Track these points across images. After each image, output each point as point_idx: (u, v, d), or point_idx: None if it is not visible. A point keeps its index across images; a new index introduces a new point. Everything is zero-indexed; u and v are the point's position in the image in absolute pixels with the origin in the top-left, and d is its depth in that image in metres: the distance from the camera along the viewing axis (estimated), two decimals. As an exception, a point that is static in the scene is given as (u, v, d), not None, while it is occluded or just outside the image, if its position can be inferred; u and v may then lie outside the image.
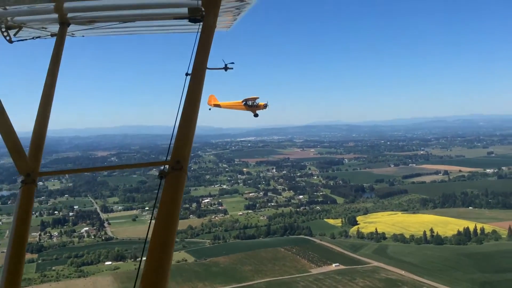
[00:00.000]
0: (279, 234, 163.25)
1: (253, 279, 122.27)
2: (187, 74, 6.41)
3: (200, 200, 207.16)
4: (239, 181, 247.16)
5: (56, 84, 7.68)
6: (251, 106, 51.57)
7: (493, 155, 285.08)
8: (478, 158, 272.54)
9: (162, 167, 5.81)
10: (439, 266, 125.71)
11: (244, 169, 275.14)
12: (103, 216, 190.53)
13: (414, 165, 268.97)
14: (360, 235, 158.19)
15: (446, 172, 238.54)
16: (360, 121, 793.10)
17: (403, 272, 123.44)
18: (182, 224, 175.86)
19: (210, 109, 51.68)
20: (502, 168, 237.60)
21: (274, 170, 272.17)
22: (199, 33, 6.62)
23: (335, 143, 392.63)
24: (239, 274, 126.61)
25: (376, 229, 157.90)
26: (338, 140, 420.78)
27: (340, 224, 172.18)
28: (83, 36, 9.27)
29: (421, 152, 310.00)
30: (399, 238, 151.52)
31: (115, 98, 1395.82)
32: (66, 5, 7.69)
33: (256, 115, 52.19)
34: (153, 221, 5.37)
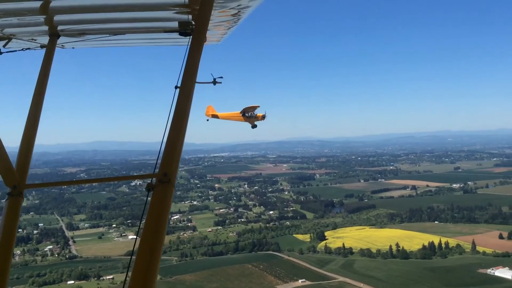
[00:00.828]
0: (248, 250, 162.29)
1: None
2: (176, 87, 6.38)
3: (169, 217, 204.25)
4: (210, 197, 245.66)
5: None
6: (250, 117, 50.97)
7: (460, 170, 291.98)
8: (445, 173, 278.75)
9: (150, 180, 5.78)
10: (404, 281, 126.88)
11: (216, 185, 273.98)
12: (69, 234, 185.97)
13: (383, 180, 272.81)
14: (327, 250, 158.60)
15: (414, 187, 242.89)
16: (332, 137, 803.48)
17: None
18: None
19: (208, 120, 51.60)
20: (468, 183, 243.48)
21: (246, 185, 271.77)
22: (188, 47, 6.61)
23: (308, 158, 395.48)
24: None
25: (343, 244, 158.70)
26: (310, 156, 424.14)
27: (309, 240, 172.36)
28: (73, 48, 9.19)
29: (391, 167, 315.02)
30: (365, 253, 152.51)
31: (87, 113, 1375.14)
32: (56, 17, 7.63)
33: (254, 126, 51.60)
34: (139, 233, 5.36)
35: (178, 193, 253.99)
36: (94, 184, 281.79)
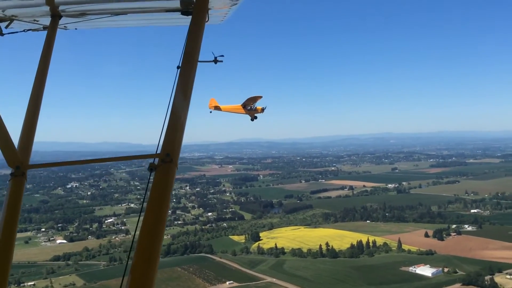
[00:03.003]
0: (180, 253, 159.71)
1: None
2: (178, 67, 6.29)
3: (103, 220, 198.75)
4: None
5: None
6: (250, 109, 51.91)
7: (397, 171, 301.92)
8: (382, 174, 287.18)
9: (152, 160, 5.72)
10: (329, 280, 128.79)
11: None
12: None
13: (324, 180, 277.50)
14: (260, 251, 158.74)
15: (351, 187, 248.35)
16: (280, 138, 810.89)
17: (293, 287, 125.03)
18: (77, 246, 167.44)
19: (211, 112, 52.96)
20: (403, 183, 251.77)
21: (188, 187, 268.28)
22: (189, 26, 6.52)
23: (254, 159, 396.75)
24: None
25: (275, 244, 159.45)
26: (257, 157, 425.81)
27: (244, 241, 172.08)
28: (75, 28, 9.09)
29: (332, 168, 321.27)
30: (296, 253, 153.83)
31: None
32: None
33: (254, 118, 52.60)
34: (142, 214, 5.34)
35: (116, 195, 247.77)
36: (27, 186, 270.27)
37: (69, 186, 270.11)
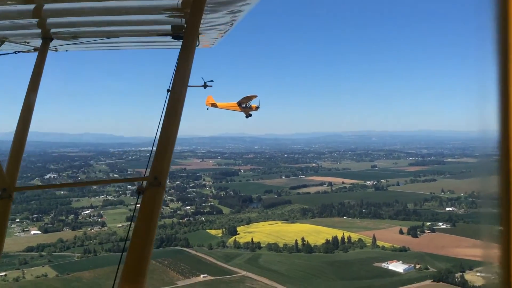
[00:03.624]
0: (155, 246, 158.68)
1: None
2: (168, 91, 6.38)
3: (79, 211, 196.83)
4: (127, 192, 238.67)
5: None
6: (245, 107, 55.30)
7: (376, 168, 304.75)
8: (362, 171, 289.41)
9: (140, 183, 5.87)
10: (303, 274, 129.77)
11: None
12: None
13: (304, 176, 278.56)
14: (236, 245, 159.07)
15: (330, 184, 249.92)
16: (264, 134, 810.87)
17: (268, 282, 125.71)
18: (52, 237, 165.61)
19: (208, 108, 56.27)
20: (381, 180, 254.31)
21: (168, 181, 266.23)
22: (180, 50, 6.61)
23: (236, 154, 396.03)
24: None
25: (252, 238, 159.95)
26: (239, 152, 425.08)
27: (221, 235, 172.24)
28: (66, 50, 9.22)
29: (313, 164, 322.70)
30: (273, 247, 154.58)
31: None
32: (49, 20, 7.59)
33: (248, 116, 56.03)
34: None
35: (94, 187, 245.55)
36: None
37: (46, 177, 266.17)
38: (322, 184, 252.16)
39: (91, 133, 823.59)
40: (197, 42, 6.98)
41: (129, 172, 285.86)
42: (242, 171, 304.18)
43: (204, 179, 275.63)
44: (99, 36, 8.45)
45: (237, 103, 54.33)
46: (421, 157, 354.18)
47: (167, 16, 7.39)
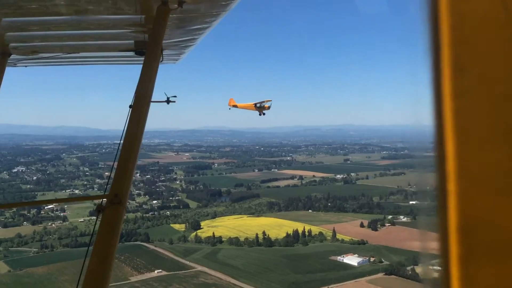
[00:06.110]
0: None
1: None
2: (130, 107, 6.28)
3: (43, 206, 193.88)
4: (95, 186, 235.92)
5: None
6: (260, 107, 64.36)
7: (349, 162, 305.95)
8: (334, 164, 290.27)
9: (100, 201, 5.68)
10: (259, 268, 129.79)
11: (106, 173, 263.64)
12: None
13: (276, 170, 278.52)
14: (198, 240, 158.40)
15: (301, 177, 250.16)
16: (244, 127, 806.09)
17: (222, 276, 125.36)
18: (10, 232, 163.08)
19: (230, 108, 67.62)
20: (351, 174, 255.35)
21: (138, 174, 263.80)
22: (142, 66, 6.48)
23: (212, 148, 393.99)
24: (51, 285, 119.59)
25: (213, 233, 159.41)
26: (217, 145, 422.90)
27: (184, 229, 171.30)
28: (25, 66, 8.88)
29: (288, 158, 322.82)
30: (234, 242, 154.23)
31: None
32: (8, 35, 7.30)
33: (261, 114, 66.31)
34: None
35: (62, 181, 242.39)
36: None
37: (15, 170, 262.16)
38: (293, 177, 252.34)
39: (67, 125, 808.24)
40: (161, 57, 6.85)
41: (99, 166, 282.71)
42: (216, 164, 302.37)
43: (175, 173, 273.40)
44: (61, 51, 8.26)
45: (253, 104, 63.42)
46: (394, 150, 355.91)
47: (130, 32, 7.32)
